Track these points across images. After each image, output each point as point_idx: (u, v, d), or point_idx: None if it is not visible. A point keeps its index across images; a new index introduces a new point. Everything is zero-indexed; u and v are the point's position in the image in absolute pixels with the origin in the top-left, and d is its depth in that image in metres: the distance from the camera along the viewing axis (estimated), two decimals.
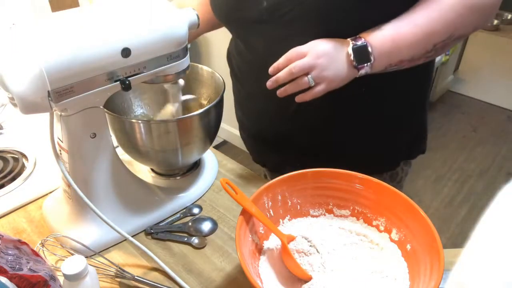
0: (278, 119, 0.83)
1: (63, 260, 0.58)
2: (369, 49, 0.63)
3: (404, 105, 0.81)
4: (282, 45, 0.72)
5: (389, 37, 0.63)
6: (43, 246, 0.64)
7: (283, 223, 0.65)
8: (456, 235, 1.90)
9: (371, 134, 0.80)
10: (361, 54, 0.63)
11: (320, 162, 0.67)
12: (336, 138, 0.81)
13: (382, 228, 0.62)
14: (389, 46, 0.64)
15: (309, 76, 0.64)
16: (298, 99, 0.67)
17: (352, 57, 0.63)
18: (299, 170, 0.65)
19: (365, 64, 0.63)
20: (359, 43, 0.63)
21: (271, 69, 0.67)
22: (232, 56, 0.88)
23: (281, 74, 0.65)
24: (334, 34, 0.67)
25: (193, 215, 0.75)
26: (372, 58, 0.63)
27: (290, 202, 0.65)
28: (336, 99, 0.75)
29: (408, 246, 0.58)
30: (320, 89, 0.65)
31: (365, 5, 0.65)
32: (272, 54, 0.70)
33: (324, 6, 0.67)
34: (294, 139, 0.84)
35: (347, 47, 0.64)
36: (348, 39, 0.65)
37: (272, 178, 0.66)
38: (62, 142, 0.62)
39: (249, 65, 0.82)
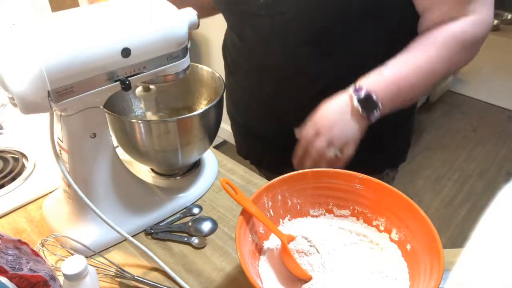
0: (266, 115, 0.83)
1: (63, 260, 0.58)
2: (374, 97, 0.63)
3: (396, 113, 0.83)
4: (276, 40, 0.72)
5: (391, 81, 0.64)
6: (43, 246, 0.64)
7: (283, 223, 0.65)
8: (456, 235, 1.90)
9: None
10: (369, 105, 0.64)
11: None
12: None
13: (382, 228, 0.62)
14: (393, 90, 0.64)
15: (333, 150, 0.65)
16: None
17: (361, 111, 0.64)
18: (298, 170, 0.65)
19: (375, 112, 0.64)
20: (362, 94, 0.63)
21: (296, 165, 0.69)
22: (226, 47, 0.88)
23: (308, 165, 0.67)
24: (329, 32, 0.68)
25: (193, 215, 0.75)
26: (380, 105, 0.64)
27: (290, 202, 0.65)
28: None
29: (408, 246, 0.58)
30: (348, 152, 0.67)
31: (363, 15, 0.66)
32: (265, 48, 0.70)
33: (319, 9, 0.67)
34: (279, 138, 0.85)
35: (352, 102, 0.64)
36: (350, 91, 0.65)
37: (267, 177, 0.67)
38: (62, 142, 0.62)
39: (241, 57, 0.83)
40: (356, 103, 0.64)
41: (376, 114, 0.64)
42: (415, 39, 0.68)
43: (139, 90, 0.71)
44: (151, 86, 0.71)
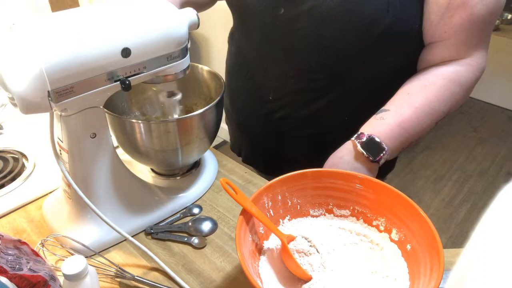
0: (257, 112, 0.84)
1: (63, 260, 0.58)
2: (377, 139, 0.65)
3: None
4: (283, 51, 0.73)
5: (394, 124, 0.66)
6: (43, 246, 0.64)
7: (283, 223, 0.65)
8: (456, 235, 1.90)
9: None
10: (372, 148, 0.65)
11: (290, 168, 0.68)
12: (312, 153, 0.83)
13: (382, 228, 0.62)
14: (398, 132, 0.66)
15: None
16: None
17: (366, 155, 0.65)
18: (299, 170, 0.65)
19: (381, 154, 0.66)
20: (364, 139, 0.66)
21: None
22: (231, 36, 0.89)
23: None
24: (339, 55, 0.70)
25: (193, 215, 0.75)
26: (384, 146, 0.65)
27: (290, 202, 0.65)
28: (318, 126, 0.78)
29: (408, 246, 0.58)
30: None
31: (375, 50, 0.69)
32: (270, 55, 0.70)
33: (336, 32, 0.68)
34: (271, 140, 0.86)
35: (355, 148, 0.66)
36: (352, 140, 0.67)
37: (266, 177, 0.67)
38: (62, 142, 0.62)
39: (239, 50, 0.84)
40: (359, 147, 0.66)
41: (384, 155, 0.66)
42: (413, 78, 0.70)
43: (163, 95, 0.72)
44: (176, 92, 0.72)
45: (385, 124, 0.66)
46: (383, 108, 0.69)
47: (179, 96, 0.73)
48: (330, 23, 0.67)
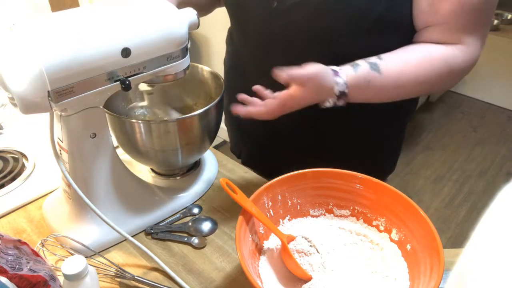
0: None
1: (63, 260, 0.58)
2: (348, 97, 0.64)
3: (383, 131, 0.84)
4: (279, 45, 0.73)
5: (369, 95, 0.65)
6: (43, 246, 0.64)
7: (283, 223, 0.65)
8: (456, 235, 1.90)
9: (352, 144, 0.82)
10: (339, 99, 0.64)
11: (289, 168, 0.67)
12: (312, 151, 0.83)
13: (382, 228, 0.62)
14: (363, 99, 0.65)
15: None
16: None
17: (331, 102, 0.64)
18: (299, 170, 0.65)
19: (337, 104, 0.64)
20: (343, 90, 0.63)
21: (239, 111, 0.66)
22: (229, 36, 0.89)
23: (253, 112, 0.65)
24: (335, 44, 0.69)
25: (193, 215, 0.75)
26: (344, 102, 0.64)
27: (290, 202, 0.65)
28: (317, 123, 0.78)
29: (408, 246, 0.58)
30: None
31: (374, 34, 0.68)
32: (265, 51, 0.70)
33: (330, 22, 0.68)
34: (270, 141, 0.86)
35: (333, 92, 0.63)
36: (338, 82, 0.63)
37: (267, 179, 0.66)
38: (62, 142, 0.62)
39: (236, 49, 0.84)
40: (327, 104, 0.64)
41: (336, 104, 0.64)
42: (418, 47, 0.67)
43: (143, 86, 0.72)
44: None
45: (364, 89, 0.64)
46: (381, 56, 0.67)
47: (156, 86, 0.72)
48: (323, 14, 0.67)
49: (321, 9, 0.67)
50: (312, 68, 0.61)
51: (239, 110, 0.63)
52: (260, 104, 0.63)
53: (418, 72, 0.65)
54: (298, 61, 0.64)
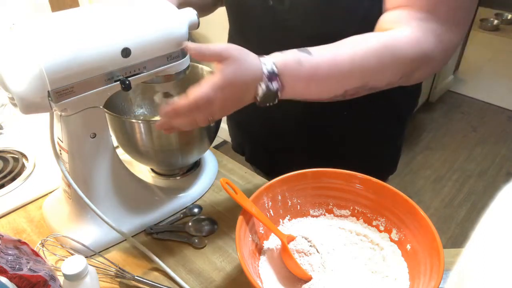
0: (256, 111, 0.84)
1: (63, 260, 0.58)
2: (279, 95, 0.58)
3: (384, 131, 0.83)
4: (274, 43, 0.73)
5: (304, 78, 0.57)
6: (43, 246, 0.64)
7: (283, 223, 0.65)
8: (456, 235, 1.90)
9: (353, 144, 0.82)
10: (268, 98, 0.57)
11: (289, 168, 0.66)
12: (311, 149, 0.83)
13: (382, 228, 0.62)
14: (301, 87, 0.59)
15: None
16: None
17: (258, 99, 0.57)
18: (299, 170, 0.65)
19: (267, 104, 0.58)
20: (272, 88, 0.56)
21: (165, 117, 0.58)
22: (229, 36, 0.89)
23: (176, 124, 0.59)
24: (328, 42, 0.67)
25: (193, 215, 0.75)
26: (277, 100, 0.58)
27: (290, 202, 0.65)
28: (316, 122, 0.77)
29: (408, 246, 0.58)
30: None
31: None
32: (262, 50, 0.70)
33: (322, 20, 0.67)
34: (271, 139, 0.85)
35: (259, 88, 0.57)
36: (264, 77, 0.56)
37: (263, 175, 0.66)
38: (62, 142, 0.62)
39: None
40: (261, 92, 0.56)
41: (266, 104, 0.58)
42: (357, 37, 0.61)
43: (159, 97, 0.71)
44: (172, 93, 0.70)
45: (296, 73, 0.57)
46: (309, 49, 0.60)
47: (175, 98, 0.72)
48: (312, 13, 0.67)
49: (309, 9, 0.67)
50: (227, 44, 0.55)
51: (158, 125, 0.58)
52: (182, 99, 0.54)
53: (353, 53, 0.58)
54: None
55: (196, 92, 0.54)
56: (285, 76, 0.56)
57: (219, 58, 0.54)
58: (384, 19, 0.62)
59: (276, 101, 0.58)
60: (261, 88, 0.56)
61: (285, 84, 0.57)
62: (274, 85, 0.56)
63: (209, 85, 0.54)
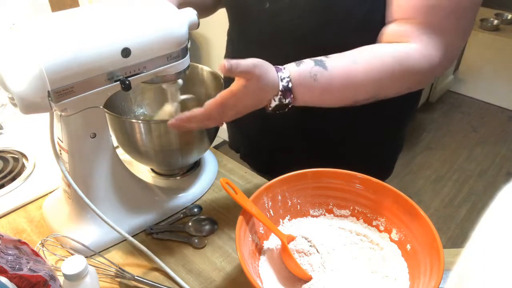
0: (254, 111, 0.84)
1: (63, 260, 0.58)
2: (290, 105, 0.61)
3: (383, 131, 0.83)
4: (268, 46, 0.73)
5: (317, 93, 0.61)
6: (43, 246, 0.64)
7: (283, 223, 0.65)
8: (456, 235, 1.90)
9: (351, 144, 0.82)
10: (280, 108, 0.60)
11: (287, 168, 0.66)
12: (310, 149, 0.83)
13: (382, 228, 0.62)
14: (313, 100, 0.62)
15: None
16: None
17: (270, 109, 0.60)
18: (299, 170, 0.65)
19: (277, 112, 0.61)
20: (285, 102, 0.60)
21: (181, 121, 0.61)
22: (229, 37, 0.89)
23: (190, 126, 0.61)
24: (323, 45, 0.68)
25: (193, 215, 0.75)
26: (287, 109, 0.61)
27: (290, 202, 0.65)
28: (314, 121, 0.77)
29: (408, 246, 0.58)
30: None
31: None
32: (259, 50, 0.70)
33: (317, 34, 0.67)
34: (267, 139, 0.86)
35: (272, 100, 0.60)
36: (279, 90, 0.59)
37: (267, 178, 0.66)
38: (62, 142, 0.62)
39: (234, 48, 0.84)
40: (273, 104, 0.60)
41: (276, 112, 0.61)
42: (366, 46, 0.64)
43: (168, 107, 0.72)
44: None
45: (310, 88, 0.60)
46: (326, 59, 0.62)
47: (180, 82, 0.71)
48: (310, 16, 0.67)
49: (307, 12, 0.67)
50: (253, 59, 0.57)
51: (171, 124, 0.59)
52: (199, 109, 0.57)
53: (368, 68, 0.60)
54: (288, 61, 0.65)
55: (212, 104, 0.57)
56: (299, 90, 0.60)
57: (247, 76, 0.56)
58: (393, 31, 0.64)
59: (287, 110, 0.61)
60: (274, 102, 0.59)
61: (298, 97, 0.60)
62: (287, 99, 0.59)
63: (226, 98, 0.57)
